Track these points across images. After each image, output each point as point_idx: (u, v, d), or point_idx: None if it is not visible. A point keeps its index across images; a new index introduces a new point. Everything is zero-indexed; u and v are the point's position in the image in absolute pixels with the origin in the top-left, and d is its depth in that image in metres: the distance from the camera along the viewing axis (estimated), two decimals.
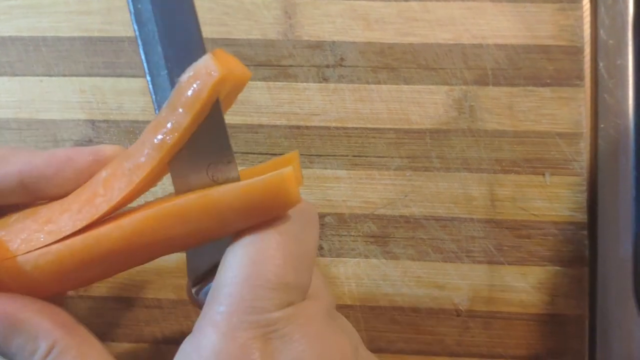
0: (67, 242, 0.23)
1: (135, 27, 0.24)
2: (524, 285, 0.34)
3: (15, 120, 0.36)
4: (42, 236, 0.24)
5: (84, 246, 0.23)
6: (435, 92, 0.36)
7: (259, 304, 0.22)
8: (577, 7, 0.36)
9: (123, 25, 0.37)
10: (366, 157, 0.36)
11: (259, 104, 0.36)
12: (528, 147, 0.35)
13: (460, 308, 0.34)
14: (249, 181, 0.23)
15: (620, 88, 0.36)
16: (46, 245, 0.23)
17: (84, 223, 0.23)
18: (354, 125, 0.36)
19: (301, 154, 0.36)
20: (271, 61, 0.36)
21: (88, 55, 0.37)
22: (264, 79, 0.36)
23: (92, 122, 0.36)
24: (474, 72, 0.36)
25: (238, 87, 0.25)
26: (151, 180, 0.24)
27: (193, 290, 0.26)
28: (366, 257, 0.35)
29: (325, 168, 0.36)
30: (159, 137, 0.23)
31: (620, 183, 0.35)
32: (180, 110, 0.23)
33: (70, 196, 0.25)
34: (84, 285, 0.25)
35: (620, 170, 0.35)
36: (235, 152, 0.36)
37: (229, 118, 0.36)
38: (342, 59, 0.36)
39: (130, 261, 0.24)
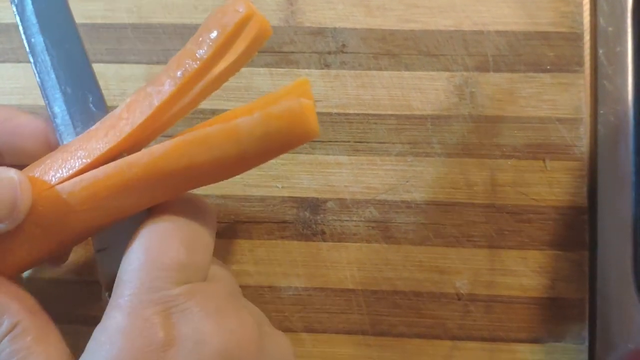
0: (102, 167, 0.25)
1: (31, 58, 0.27)
2: (524, 269, 0.35)
3: (19, 106, 0.36)
4: (74, 163, 0.25)
5: (117, 171, 0.25)
6: (436, 79, 0.36)
7: (156, 283, 0.23)
8: None
9: (126, 12, 0.37)
10: (367, 143, 0.36)
11: (261, 90, 0.36)
12: (528, 133, 0.35)
13: (462, 292, 0.35)
14: (268, 109, 0.24)
15: (619, 75, 0.36)
16: (80, 171, 0.25)
17: (110, 145, 0.25)
18: (356, 112, 0.36)
19: None
20: (273, 47, 0.36)
21: (91, 42, 0.37)
22: (266, 65, 0.36)
23: None
24: (475, 59, 0.36)
25: (259, 39, 0.26)
26: (171, 106, 0.26)
27: (106, 295, 0.27)
28: (368, 242, 0.35)
29: (327, 154, 0.36)
30: (181, 66, 0.25)
31: (620, 168, 0.35)
32: (206, 41, 0.25)
33: (95, 125, 0.26)
34: (116, 217, 0.26)
35: (620, 155, 0.35)
36: None
37: (233, 105, 0.36)
38: (343, 46, 0.36)
39: (158, 191, 0.26)
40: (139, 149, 0.26)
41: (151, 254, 0.24)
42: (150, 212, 0.26)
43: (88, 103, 0.27)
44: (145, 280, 0.23)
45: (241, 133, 0.24)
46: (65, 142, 0.27)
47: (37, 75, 0.27)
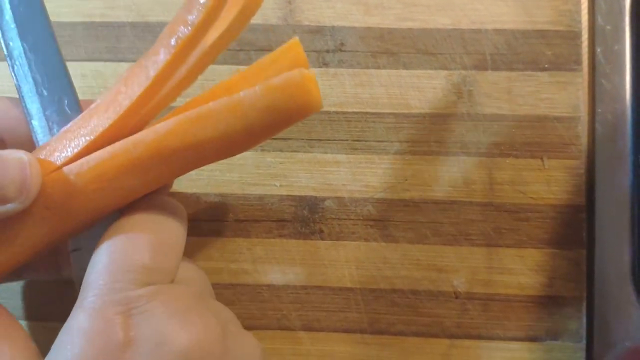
0: (108, 147, 0.25)
1: (9, 62, 0.28)
2: (522, 268, 0.35)
3: None
4: (78, 142, 0.25)
5: (123, 150, 0.25)
6: (434, 77, 0.36)
7: (119, 285, 0.24)
8: None
9: (124, 10, 0.37)
10: (366, 141, 0.36)
11: None
12: (526, 131, 0.35)
13: (459, 290, 0.35)
14: (270, 81, 0.24)
15: (617, 73, 0.36)
16: (85, 150, 0.25)
17: (111, 120, 0.25)
18: (354, 110, 0.36)
19: (301, 139, 0.36)
20: (272, 46, 0.36)
21: (89, 40, 0.37)
22: None
23: None
24: (473, 57, 0.36)
25: (250, 5, 0.26)
26: (168, 75, 0.26)
27: None
28: (366, 240, 0.35)
29: (326, 152, 0.36)
30: (174, 34, 0.25)
31: (618, 166, 0.35)
32: (196, 6, 0.25)
33: (95, 103, 0.27)
34: (123, 201, 0.26)
35: (618, 154, 0.35)
36: None
37: None
38: (342, 44, 0.36)
39: (165, 170, 0.26)
40: (142, 124, 0.26)
41: (116, 255, 0.24)
42: (121, 213, 0.27)
43: (64, 105, 0.28)
44: (109, 281, 0.24)
45: (244, 107, 0.24)
46: (41, 144, 0.27)
47: (14, 78, 0.28)
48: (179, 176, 0.27)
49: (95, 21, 0.37)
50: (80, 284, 0.27)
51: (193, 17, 0.25)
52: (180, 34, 0.25)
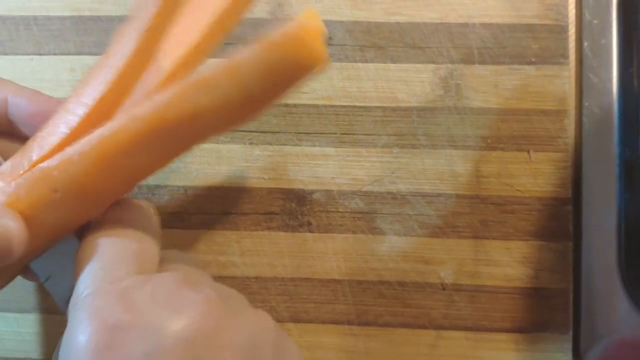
0: (107, 124, 0.24)
1: None
2: (508, 260, 0.35)
3: None
4: (77, 111, 0.25)
5: (122, 126, 0.24)
6: (421, 71, 0.36)
7: (111, 277, 0.24)
8: None
9: (113, 4, 0.37)
10: (354, 134, 0.36)
11: None
12: (513, 125, 0.36)
13: (446, 282, 0.35)
14: (267, 39, 0.23)
15: (604, 67, 0.36)
16: (85, 120, 0.25)
17: (110, 77, 0.25)
18: (342, 104, 0.36)
19: (289, 132, 0.36)
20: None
21: (78, 34, 0.37)
22: None
23: None
24: (460, 51, 0.36)
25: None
26: (159, 25, 0.25)
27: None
28: (354, 232, 0.35)
29: (314, 146, 0.36)
30: None
31: (605, 159, 0.35)
32: None
33: (86, 74, 0.26)
34: (134, 180, 0.26)
35: (604, 147, 0.35)
36: None
37: None
38: (330, 38, 0.37)
39: (167, 146, 0.25)
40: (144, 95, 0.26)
41: (101, 255, 0.25)
42: (85, 229, 0.27)
43: None
44: (102, 275, 0.24)
45: (242, 69, 0.23)
46: None
47: None
48: (184, 152, 0.26)
49: (84, 15, 0.37)
50: (64, 305, 0.27)
51: None
52: None
